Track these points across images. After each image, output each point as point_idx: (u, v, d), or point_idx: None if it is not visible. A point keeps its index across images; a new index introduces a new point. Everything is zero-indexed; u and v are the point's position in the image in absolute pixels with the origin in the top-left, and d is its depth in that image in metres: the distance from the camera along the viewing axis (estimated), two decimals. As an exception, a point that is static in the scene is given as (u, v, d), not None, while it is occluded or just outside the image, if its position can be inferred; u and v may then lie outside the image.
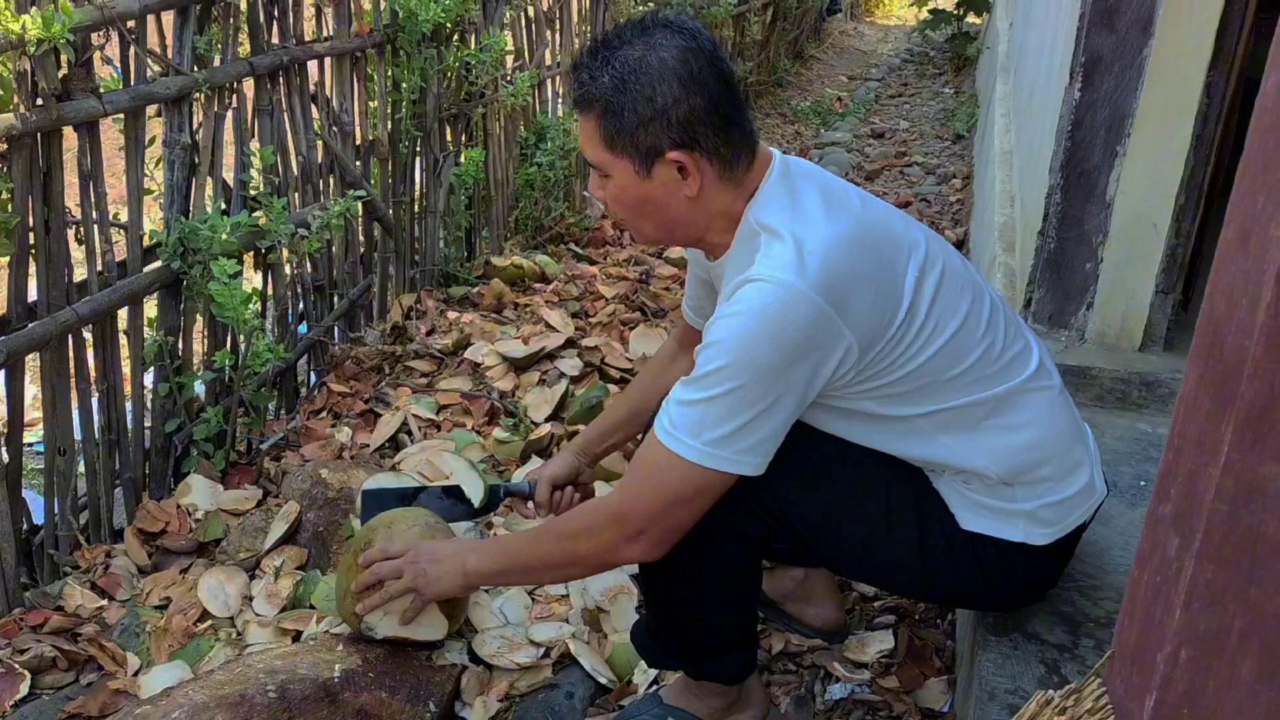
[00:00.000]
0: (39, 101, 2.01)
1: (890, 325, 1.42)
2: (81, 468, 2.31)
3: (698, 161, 1.44)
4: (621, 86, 1.42)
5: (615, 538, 1.49)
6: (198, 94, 2.41)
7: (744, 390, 1.37)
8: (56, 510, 2.25)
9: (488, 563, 1.67)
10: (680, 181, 1.46)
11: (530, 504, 2.01)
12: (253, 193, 2.65)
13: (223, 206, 2.56)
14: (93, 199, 2.22)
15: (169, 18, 2.37)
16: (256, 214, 2.59)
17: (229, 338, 2.61)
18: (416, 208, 3.53)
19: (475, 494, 2.06)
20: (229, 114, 2.57)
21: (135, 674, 1.96)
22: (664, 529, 1.47)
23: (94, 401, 2.31)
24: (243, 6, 2.58)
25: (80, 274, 2.24)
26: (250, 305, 2.40)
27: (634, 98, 1.41)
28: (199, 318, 2.52)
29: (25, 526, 2.22)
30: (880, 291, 1.41)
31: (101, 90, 2.16)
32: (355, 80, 3.10)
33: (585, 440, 2.00)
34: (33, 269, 2.11)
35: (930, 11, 8.29)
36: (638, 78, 1.41)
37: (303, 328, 3.01)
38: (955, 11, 8.12)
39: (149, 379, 2.48)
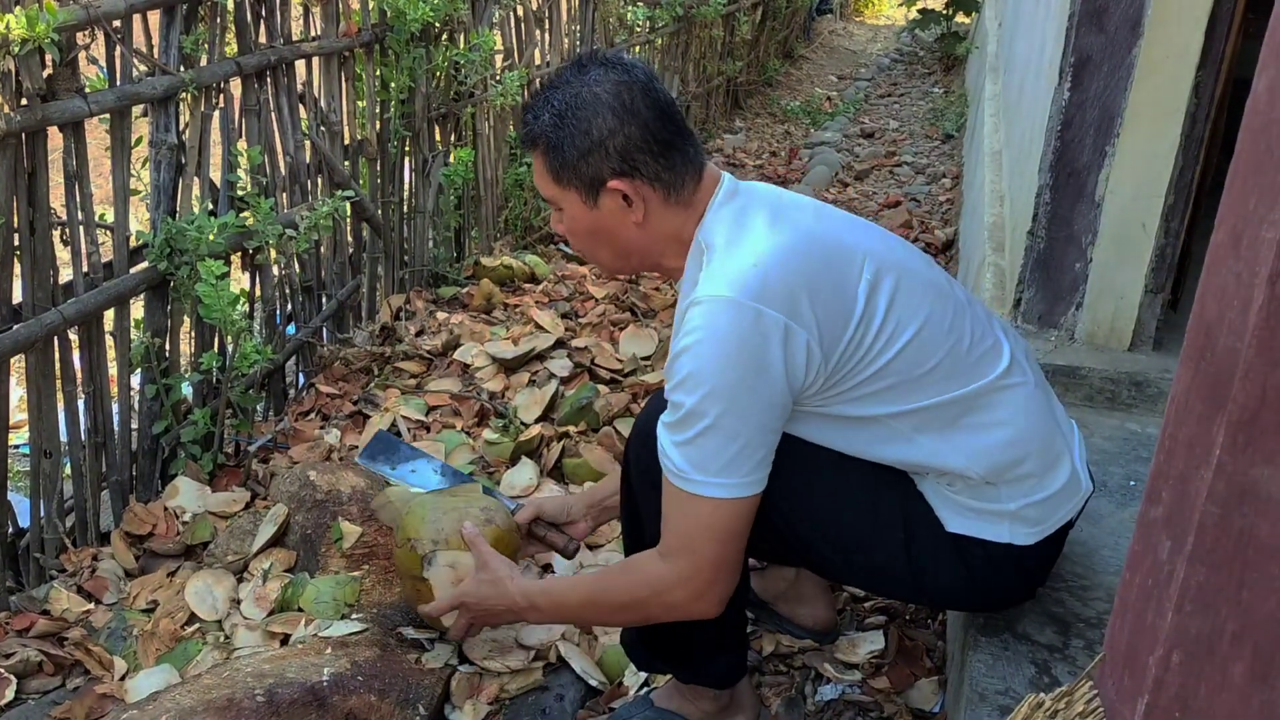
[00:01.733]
0: (24, 101, 1.99)
1: (846, 328, 1.44)
2: (68, 470, 2.30)
3: (639, 189, 1.49)
4: (560, 122, 1.49)
5: (685, 597, 1.50)
6: (184, 94, 2.39)
7: (732, 416, 1.39)
8: (42, 513, 2.23)
9: (547, 619, 1.78)
10: (626, 209, 1.51)
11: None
12: (240, 193, 2.64)
13: (210, 207, 2.55)
14: (78, 200, 2.20)
15: (155, 17, 2.35)
16: (244, 214, 2.58)
17: (216, 339, 2.60)
18: (405, 208, 3.52)
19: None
20: (216, 114, 2.55)
21: (122, 678, 1.95)
22: (728, 573, 1.49)
23: (80, 403, 2.30)
24: (229, 6, 2.57)
25: (66, 275, 2.23)
26: (238, 306, 2.39)
27: (572, 131, 1.48)
28: (186, 319, 2.51)
29: (11, 529, 2.21)
30: (831, 296, 1.43)
31: (87, 90, 2.14)
32: (343, 80, 3.09)
33: (593, 490, 2.02)
34: (18, 270, 2.10)
35: (919, 11, 8.30)
36: (574, 112, 1.48)
37: (291, 329, 3.00)
38: (944, 11, 8.14)
39: (136, 380, 2.47)
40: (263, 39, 2.73)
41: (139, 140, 2.36)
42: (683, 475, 1.43)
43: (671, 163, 1.49)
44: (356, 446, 2.65)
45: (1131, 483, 2.09)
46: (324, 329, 3.14)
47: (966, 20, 8.33)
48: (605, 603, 1.62)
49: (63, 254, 2.20)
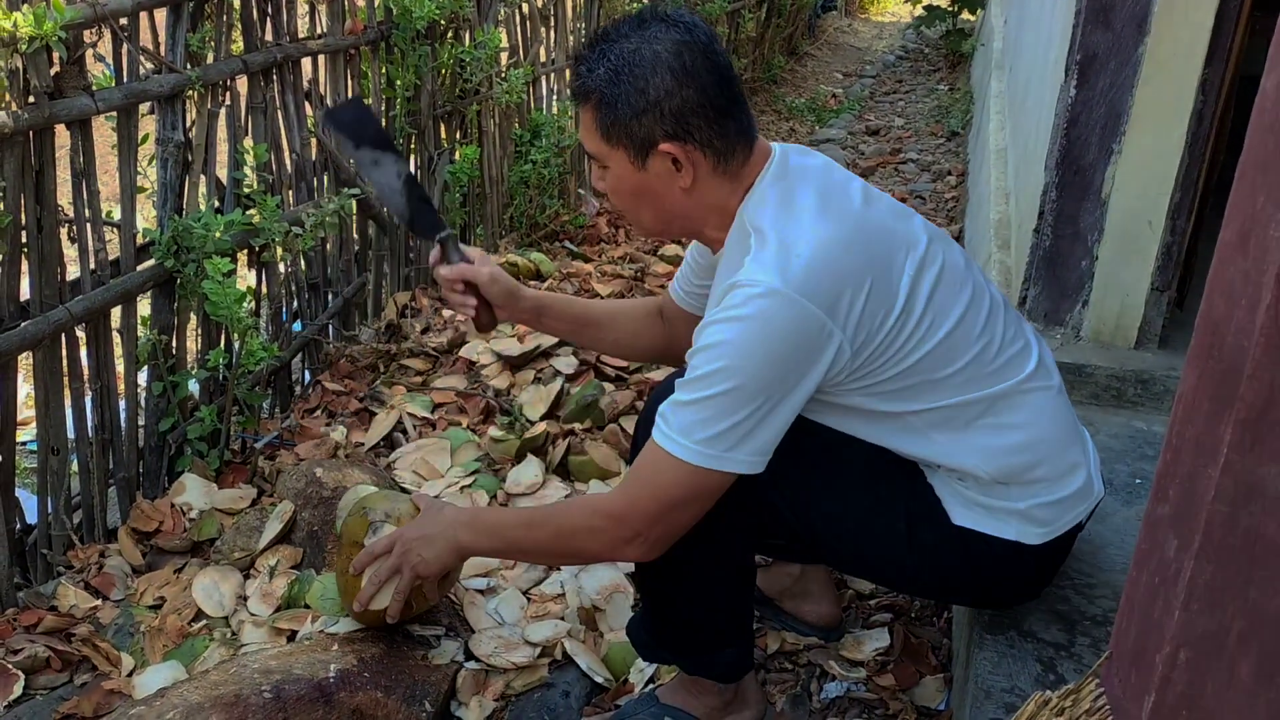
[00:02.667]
0: (31, 99, 2.00)
1: (884, 324, 1.43)
2: (75, 467, 2.30)
3: (690, 154, 1.46)
4: (615, 78, 1.44)
5: (614, 539, 1.50)
6: (191, 92, 2.40)
7: (736, 392, 1.38)
8: (50, 510, 2.24)
9: (482, 541, 1.65)
10: (674, 173, 1.47)
11: (444, 263, 1.78)
12: (246, 191, 2.64)
13: (216, 204, 2.55)
14: (85, 197, 2.21)
15: (162, 15, 2.35)
16: (250, 212, 2.58)
17: (223, 336, 2.60)
18: (411, 205, 3.51)
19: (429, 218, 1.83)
20: (222, 112, 2.55)
21: (129, 674, 1.96)
22: (662, 531, 1.48)
23: (87, 400, 2.30)
24: (236, 3, 2.57)
25: (73, 272, 2.23)
26: (244, 304, 2.39)
27: (627, 90, 1.43)
28: (193, 316, 2.51)
29: (18, 526, 2.21)
30: (873, 290, 1.41)
31: (94, 88, 2.15)
32: (349, 77, 3.09)
33: (548, 298, 1.86)
34: (25, 268, 2.10)
35: (925, 8, 8.29)
36: (631, 70, 1.43)
37: (297, 326, 3.00)
38: (950, 8, 8.12)
39: (143, 378, 2.48)
40: (269, 36, 2.73)
41: (145, 138, 2.37)
42: (667, 433, 1.42)
43: (725, 130, 1.46)
44: (362, 444, 2.66)
45: (1137, 481, 2.09)
46: (330, 326, 3.15)
47: (972, 17, 8.31)
48: (542, 524, 1.58)
49: (70, 251, 2.21)
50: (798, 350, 1.38)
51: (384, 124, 3.26)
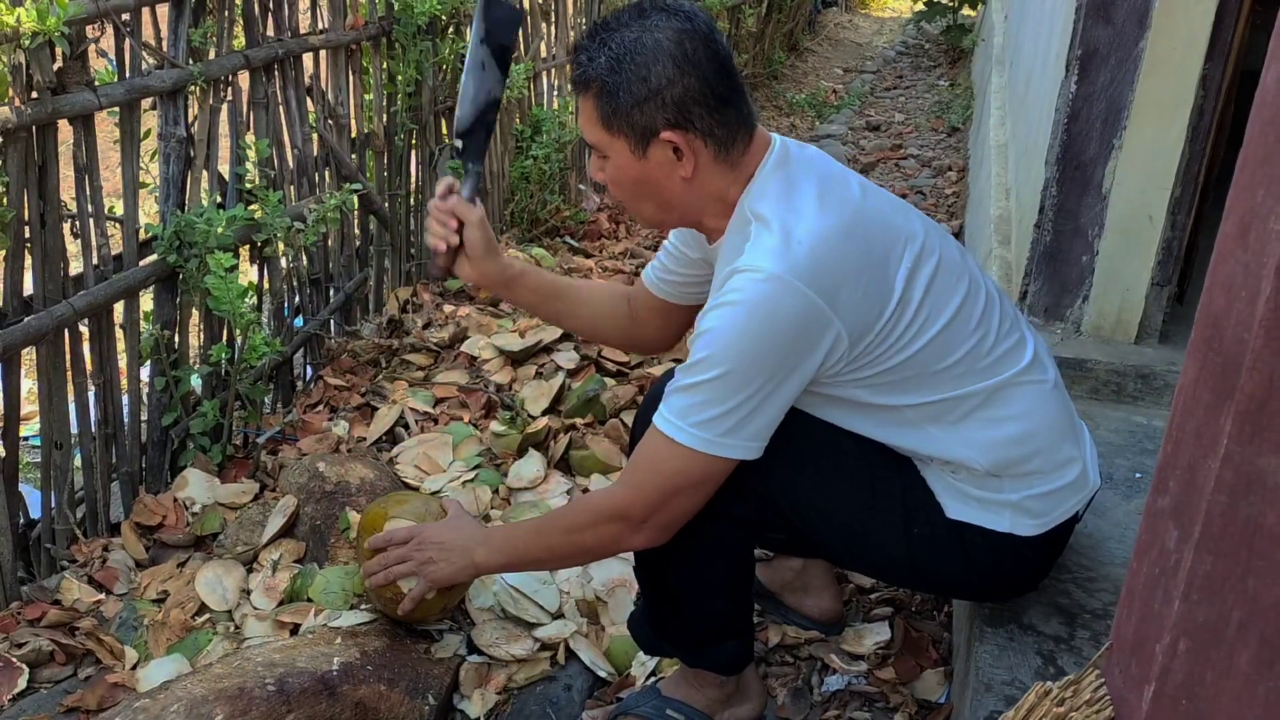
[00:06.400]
0: (34, 95, 2.00)
1: (880, 316, 1.44)
2: (78, 461, 2.31)
3: (691, 142, 1.46)
4: (617, 67, 1.44)
5: (620, 530, 1.53)
6: (193, 87, 2.40)
7: (734, 376, 1.39)
8: (53, 504, 2.24)
9: (495, 556, 1.70)
10: (675, 162, 1.47)
11: (452, 192, 1.74)
12: (248, 186, 2.64)
13: (218, 200, 2.55)
14: (88, 192, 2.21)
15: (164, 10, 2.36)
16: (252, 207, 2.58)
17: (225, 331, 2.61)
18: (412, 201, 3.52)
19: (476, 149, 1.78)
20: (224, 107, 2.56)
21: (133, 668, 1.96)
22: (667, 518, 1.50)
23: (90, 395, 2.31)
24: (237, -1, 2.58)
25: (76, 268, 2.24)
26: (246, 299, 2.40)
27: (629, 78, 1.43)
28: (195, 311, 2.52)
29: (22, 520, 2.22)
30: (871, 282, 1.42)
31: (96, 83, 2.15)
32: (350, 73, 3.09)
33: (520, 267, 1.82)
34: (28, 263, 2.11)
35: (925, 3, 8.28)
36: (633, 58, 1.43)
37: (299, 321, 3.01)
38: (950, 3, 8.12)
39: (145, 373, 2.48)
40: (270, 32, 2.74)
41: (148, 133, 2.37)
42: (667, 416, 1.44)
43: (726, 119, 1.46)
44: (364, 439, 2.66)
45: (1137, 475, 2.10)
46: (332, 321, 3.15)
47: (973, 13, 8.30)
48: (550, 527, 1.63)
49: (73, 247, 2.21)
50: (796, 337, 1.39)
51: (385, 120, 3.27)
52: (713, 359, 1.40)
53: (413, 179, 3.51)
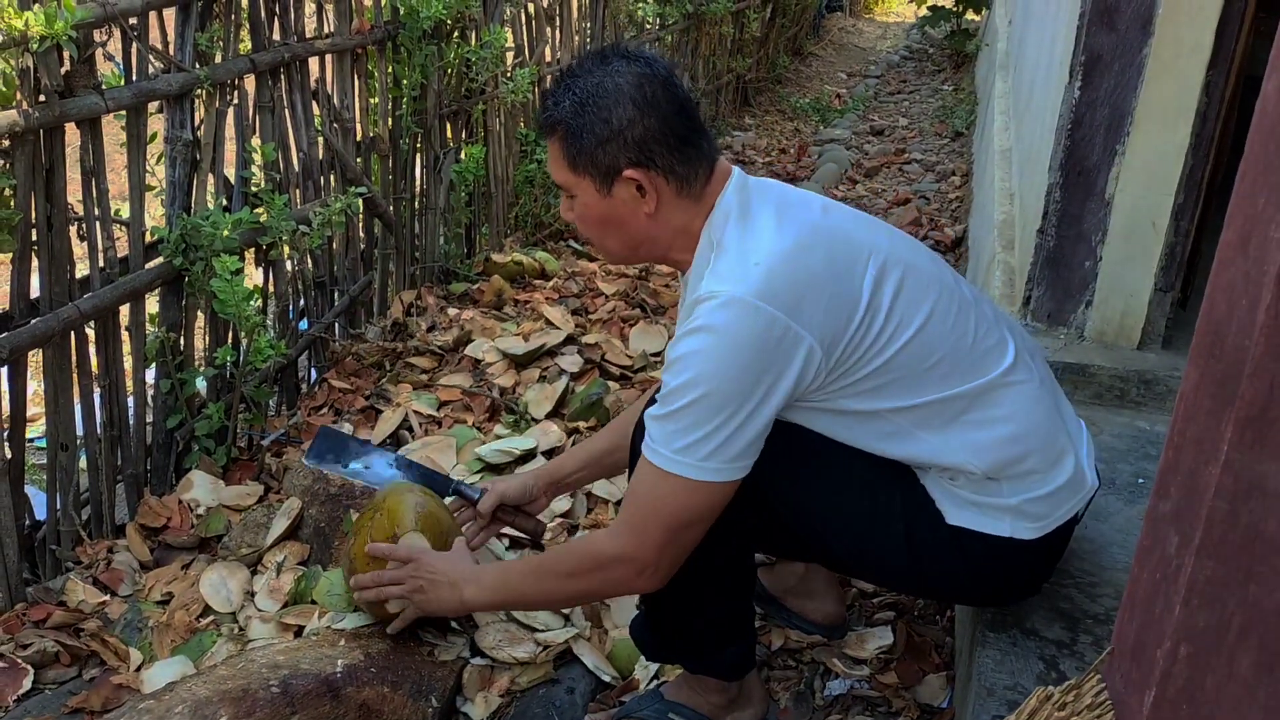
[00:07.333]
0: (41, 98, 2.01)
1: (850, 324, 1.46)
2: (83, 463, 2.32)
3: (654, 179, 1.51)
4: (580, 110, 1.50)
5: (626, 574, 1.54)
6: (199, 90, 2.41)
7: (711, 399, 1.41)
8: (59, 506, 2.25)
9: (486, 596, 1.73)
10: (639, 199, 1.52)
11: (472, 511, 1.99)
12: (254, 189, 2.65)
13: (224, 203, 2.56)
14: (95, 195, 2.22)
15: (171, 14, 2.37)
16: (258, 211, 2.59)
17: (230, 334, 2.62)
18: (417, 204, 3.53)
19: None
20: (230, 110, 2.57)
21: (138, 669, 1.97)
22: (673, 557, 1.52)
23: (96, 397, 2.31)
24: (244, 3, 2.59)
25: (82, 270, 2.25)
26: (251, 302, 2.41)
27: (592, 119, 1.50)
28: (200, 314, 2.53)
29: (27, 522, 2.23)
30: (836, 293, 1.45)
31: (104, 87, 2.16)
32: (356, 77, 3.10)
33: (554, 468, 2.01)
34: (35, 265, 2.12)
35: (929, 8, 8.30)
36: (595, 101, 1.50)
37: (303, 324, 3.02)
38: (954, 8, 8.13)
39: (151, 375, 2.49)
40: (276, 36, 2.75)
41: (154, 136, 2.38)
42: (652, 447, 1.46)
43: (686, 157, 1.51)
44: (368, 441, 2.66)
45: (1140, 480, 2.10)
46: (336, 324, 3.16)
47: (976, 17, 8.32)
48: (550, 571, 1.64)
49: (79, 249, 2.22)
50: (764, 355, 1.41)
51: (391, 123, 3.28)
52: (687, 385, 1.42)
53: (417, 183, 3.52)
